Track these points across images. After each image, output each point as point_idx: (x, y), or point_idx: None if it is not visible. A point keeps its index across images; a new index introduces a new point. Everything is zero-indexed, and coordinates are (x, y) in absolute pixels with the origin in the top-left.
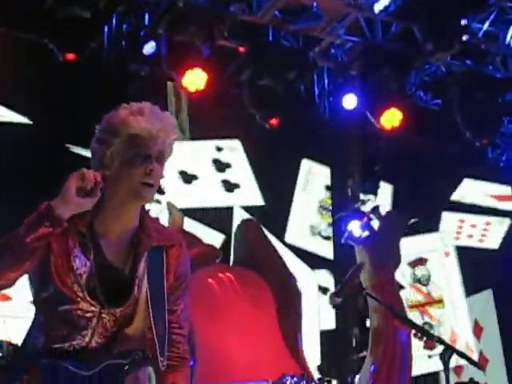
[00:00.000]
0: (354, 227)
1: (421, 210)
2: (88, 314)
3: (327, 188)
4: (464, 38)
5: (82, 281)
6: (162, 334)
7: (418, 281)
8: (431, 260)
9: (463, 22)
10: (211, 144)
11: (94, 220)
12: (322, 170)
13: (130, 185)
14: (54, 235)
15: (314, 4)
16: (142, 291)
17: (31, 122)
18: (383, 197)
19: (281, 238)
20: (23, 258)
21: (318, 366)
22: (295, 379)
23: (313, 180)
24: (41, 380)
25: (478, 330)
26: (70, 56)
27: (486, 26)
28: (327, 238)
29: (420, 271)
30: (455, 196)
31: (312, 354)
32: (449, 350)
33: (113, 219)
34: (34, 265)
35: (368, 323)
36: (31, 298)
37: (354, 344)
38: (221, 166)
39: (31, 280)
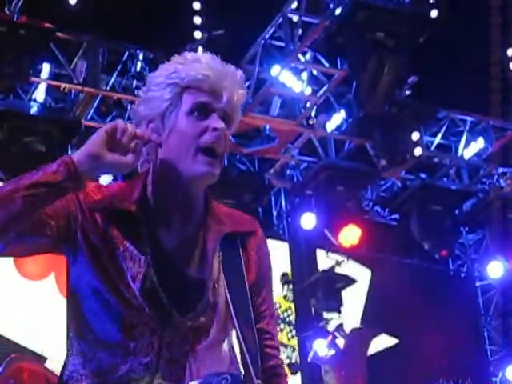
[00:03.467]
0: (319, 347)
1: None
2: (146, 332)
3: None
4: (417, 152)
5: (135, 285)
6: (252, 347)
7: None
8: None
9: (415, 136)
10: None
11: (145, 195)
12: None
13: (183, 155)
14: (72, 205)
15: (267, 126)
16: (219, 294)
17: None
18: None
19: None
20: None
21: None
22: None
23: None
24: None
25: None
26: None
27: (438, 139)
28: None
29: None
30: None
31: None
32: None
33: (167, 201)
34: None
35: None
36: None
37: None
38: None
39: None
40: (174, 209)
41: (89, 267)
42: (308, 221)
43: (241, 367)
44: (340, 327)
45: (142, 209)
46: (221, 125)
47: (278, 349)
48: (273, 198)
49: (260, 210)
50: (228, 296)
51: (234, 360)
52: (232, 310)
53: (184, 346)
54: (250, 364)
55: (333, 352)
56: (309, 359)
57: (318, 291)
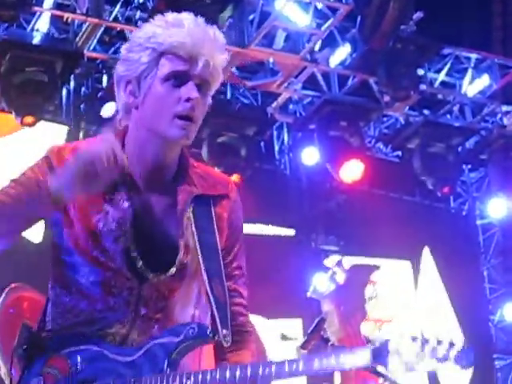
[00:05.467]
0: (319, 281)
1: None
2: (124, 291)
3: None
4: (421, 88)
5: (117, 247)
6: (222, 300)
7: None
8: None
9: (419, 72)
10: None
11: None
12: None
13: (159, 119)
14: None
15: (270, 60)
16: (189, 252)
17: None
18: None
19: None
20: None
21: None
22: None
23: None
24: (69, 372)
25: None
26: (29, 119)
27: (442, 76)
28: None
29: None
30: None
31: None
32: None
33: (143, 162)
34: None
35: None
36: None
37: None
38: None
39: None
40: (148, 170)
41: (64, 232)
42: (310, 155)
43: (208, 317)
44: (340, 262)
45: (119, 170)
46: (195, 94)
47: (245, 307)
48: (275, 133)
49: (262, 144)
50: (199, 252)
51: (202, 313)
52: (202, 266)
53: (160, 302)
54: (217, 317)
55: (333, 287)
56: (308, 294)
57: (318, 226)
